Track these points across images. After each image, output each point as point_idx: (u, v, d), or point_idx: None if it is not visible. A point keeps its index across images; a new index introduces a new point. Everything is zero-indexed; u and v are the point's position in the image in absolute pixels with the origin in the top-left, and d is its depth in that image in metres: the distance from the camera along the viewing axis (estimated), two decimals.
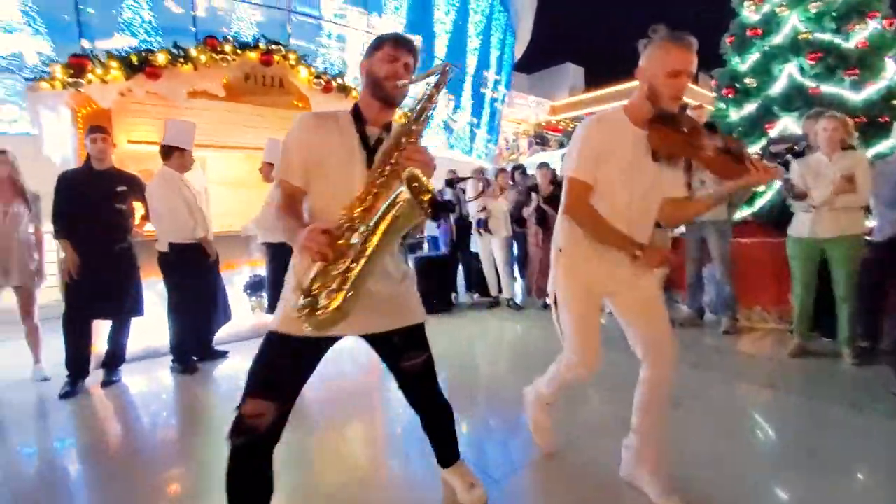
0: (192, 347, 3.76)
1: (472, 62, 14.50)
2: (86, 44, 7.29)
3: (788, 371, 3.12)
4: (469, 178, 5.39)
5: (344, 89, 4.23)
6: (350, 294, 1.13)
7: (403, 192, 1.12)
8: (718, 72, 4.95)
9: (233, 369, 3.72)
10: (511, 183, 5.57)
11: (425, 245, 6.93)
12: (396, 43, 1.42)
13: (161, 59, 3.36)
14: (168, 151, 3.47)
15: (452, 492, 1.74)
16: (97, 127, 3.34)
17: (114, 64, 3.21)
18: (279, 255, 3.79)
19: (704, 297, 4.41)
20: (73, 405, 3.07)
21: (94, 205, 3.32)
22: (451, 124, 14.33)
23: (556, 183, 5.44)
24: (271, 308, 4.37)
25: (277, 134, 4.64)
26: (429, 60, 13.22)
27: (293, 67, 4.02)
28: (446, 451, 1.73)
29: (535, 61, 24.09)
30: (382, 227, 1.14)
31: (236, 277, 4.54)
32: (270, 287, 4.18)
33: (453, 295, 5.70)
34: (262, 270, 4.44)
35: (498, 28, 15.58)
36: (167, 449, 2.47)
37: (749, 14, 4.76)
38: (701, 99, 9.30)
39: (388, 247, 1.20)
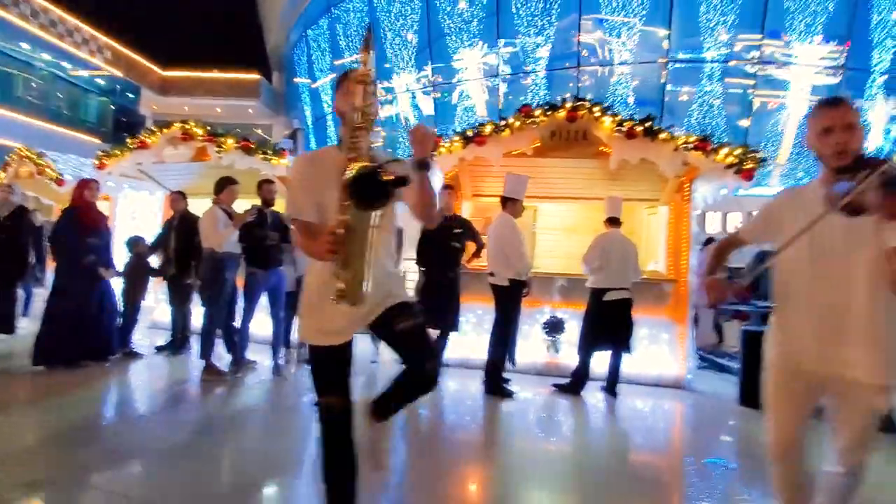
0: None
1: None
2: None
3: None
4: None
5: (650, 132, 4.00)
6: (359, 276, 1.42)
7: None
8: None
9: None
10: None
11: None
12: (344, 76, 1.68)
13: (488, 129, 4.30)
14: (506, 201, 4.24)
15: None
16: (447, 184, 4.55)
17: (456, 138, 4.36)
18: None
19: None
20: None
21: (436, 242, 4.52)
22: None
23: None
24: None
25: (581, 184, 4.87)
26: (859, 78, 9.99)
27: (597, 119, 4.17)
28: (390, 408, 1.69)
29: None
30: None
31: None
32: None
33: None
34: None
35: None
36: None
37: None
38: None
39: (370, 240, 1.43)
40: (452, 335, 4.66)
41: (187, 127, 5.23)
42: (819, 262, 1.51)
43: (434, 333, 4.64)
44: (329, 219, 1.47)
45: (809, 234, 1.44)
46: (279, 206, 4.21)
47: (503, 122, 4.38)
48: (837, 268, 1.49)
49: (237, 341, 4.30)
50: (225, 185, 4.13)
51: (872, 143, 10.21)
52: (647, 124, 4.03)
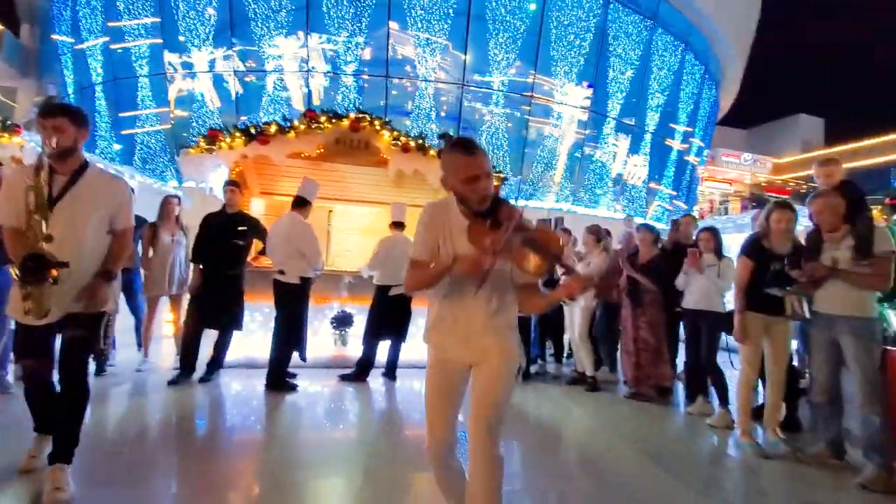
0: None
1: (653, 118, 13.52)
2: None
3: None
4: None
5: (422, 149, 4.60)
6: None
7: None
8: None
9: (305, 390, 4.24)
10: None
11: None
12: (43, 115, 2.10)
13: (272, 129, 4.34)
14: (298, 201, 4.25)
15: None
16: (231, 181, 4.42)
17: (238, 134, 4.29)
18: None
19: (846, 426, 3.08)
20: (176, 392, 3.94)
21: (219, 239, 4.34)
22: (625, 181, 13.47)
23: (663, 249, 4.66)
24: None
25: (369, 188, 5.30)
26: (601, 121, 12.90)
27: (378, 132, 4.61)
28: (59, 446, 2.18)
29: (756, 114, 20.93)
30: None
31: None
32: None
33: (532, 366, 5.24)
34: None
35: (691, 82, 14.23)
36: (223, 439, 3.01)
37: None
38: None
39: None
40: (236, 334, 4.56)
41: None
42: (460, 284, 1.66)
43: (214, 333, 4.47)
44: None
45: (459, 243, 1.66)
46: None
47: (288, 124, 4.47)
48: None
49: None
50: None
51: (614, 171, 13.24)
52: (420, 140, 4.61)
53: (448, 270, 1.61)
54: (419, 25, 11.29)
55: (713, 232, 4.17)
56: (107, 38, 12.63)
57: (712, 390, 4.01)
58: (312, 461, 2.76)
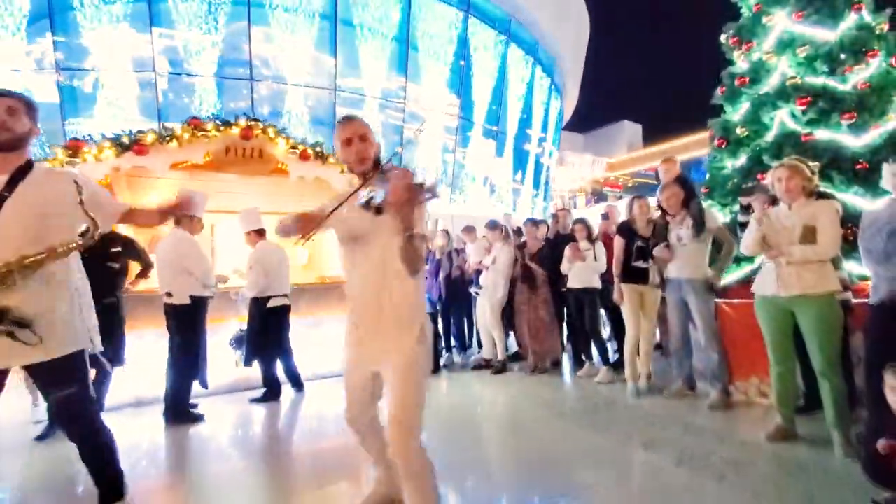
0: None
1: (513, 124, 14.94)
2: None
3: (760, 463, 2.62)
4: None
5: (321, 156, 4.59)
6: None
7: None
8: (712, 122, 4.70)
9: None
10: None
11: None
12: None
13: (150, 138, 3.92)
14: (179, 218, 3.84)
15: None
16: None
17: (107, 144, 3.79)
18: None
19: (695, 364, 3.95)
20: (50, 446, 3.33)
21: (88, 263, 3.78)
22: (492, 181, 14.62)
23: (547, 239, 5.31)
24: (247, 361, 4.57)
25: (262, 199, 5.08)
26: (468, 127, 13.85)
27: (272, 139, 4.47)
28: (103, 492, 1.98)
29: (590, 121, 24.23)
30: None
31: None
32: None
33: (444, 356, 5.57)
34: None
35: (541, 92, 16.02)
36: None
37: (740, 63, 4.54)
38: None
39: None
40: (117, 370, 4.02)
41: None
42: (357, 255, 1.72)
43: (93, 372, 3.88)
44: None
45: (354, 227, 1.69)
46: None
47: (168, 133, 4.08)
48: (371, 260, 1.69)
49: None
50: None
51: (473, 170, 14.25)
52: (318, 149, 4.58)
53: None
54: (283, 27, 10.88)
55: (584, 223, 4.92)
56: None
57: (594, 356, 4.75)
58: (231, 493, 2.64)
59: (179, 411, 3.87)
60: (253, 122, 4.39)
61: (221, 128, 4.24)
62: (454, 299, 5.63)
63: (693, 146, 19.34)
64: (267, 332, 4.32)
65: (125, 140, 3.86)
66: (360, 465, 2.78)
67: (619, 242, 4.08)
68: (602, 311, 4.95)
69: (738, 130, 4.38)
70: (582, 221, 4.92)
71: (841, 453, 2.57)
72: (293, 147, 4.49)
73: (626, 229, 4.09)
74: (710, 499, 2.21)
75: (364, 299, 1.75)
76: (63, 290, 1.80)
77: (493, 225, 5.25)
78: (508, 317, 5.31)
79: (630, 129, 24.08)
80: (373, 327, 1.75)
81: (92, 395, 1.94)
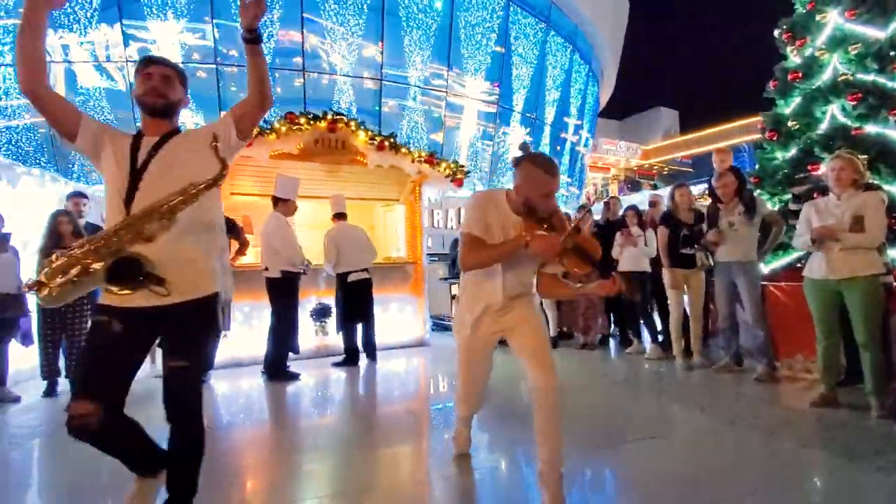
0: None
1: (550, 112, 15.10)
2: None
3: (805, 423, 2.97)
4: None
5: (394, 146, 5.07)
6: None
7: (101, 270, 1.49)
8: (764, 115, 4.93)
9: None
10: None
11: None
12: (146, 63, 1.75)
13: (254, 131, 4.46)
14: (277, 200, 4.44)
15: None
16: None
17: None
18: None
19: (742, 342, 4.29)
20: None
21: None
22: None
23: (598, 226, 5.67)
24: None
25: (341, 185, 5.60)
26: (507, 115, 14.10)
27: (353, 132, 4.96)
28: (177, 497, 1.66)
29: (626, 107, 23.99)
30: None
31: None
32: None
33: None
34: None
35: (578, 79, 16.08)
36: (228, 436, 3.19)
37: (793, 58, 4.75)
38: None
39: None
40: (221, 334, 4.63)
41: None
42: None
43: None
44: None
45: (501, 233, 1.96)
46: None
47: (268, 126, 4.62)
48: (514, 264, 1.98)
49: None
50: None
51: (508, 161, 14.53)
52: (392, 140, 5.05)
53: (518, 248, 1.83)
54: (334, 20, 11.32)
55: (636, 209, 5.26)
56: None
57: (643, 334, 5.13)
58: (319, 443, 2.94)
59: (277, 371, 4.46)
60: (338, 117, 4.89)
61: (312, 122, 4.76)
62: None
63: (732, 133, 19.04)
64: (348, 304, 4.86)
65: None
66: (423, 421, 3.27)
67: (662, 232, 4.43)
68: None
69: (790, 123, 4.62)
70: (633, 208, 5.26)
71: (877, 415, 2.92)
72: (371, 138, 4.98)
73: (669, 218, 4.43)
74: (760, 449, 2.59)
75: (499, 291, 2.03)
76: (207, 239, 1.72)
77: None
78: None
79: (667, 116, 23.76)
80: (503, 309, 2.07)
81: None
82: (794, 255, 4.23)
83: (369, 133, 5.03)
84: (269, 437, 3.17)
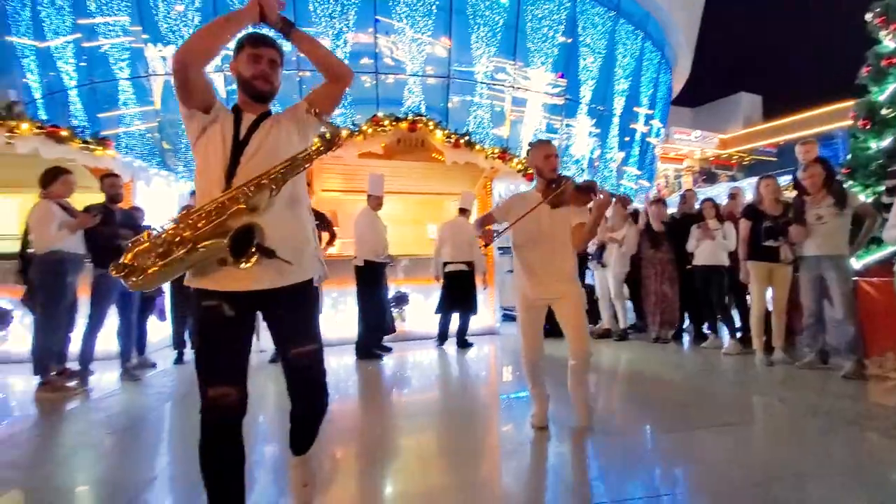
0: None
1: (619, 103, 14.72)
2: None
3: (891, 414, 2.93)
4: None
5: (469, 144, 5.36)
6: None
7: (224, 243, 1.41)
8: (856, 103, 4.69)
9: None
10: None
11: None
12: (255, 41, 1.63)
13: (344, 133, 4.94)
14: (369, 196, 4.91)
15: None
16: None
17: (315, 139, 4.85)
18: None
19: (829, 339, 4.15)
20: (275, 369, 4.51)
21: None
22: (594, 163, 14.63)
23: (673, 219, 5.63)
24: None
25: (418, 182, 5.98)
26: (573, 107, 13.94)
27: (431, 131, 5.30)
28: (300, 444, 1.76)
29: (700, 94, 22.71)
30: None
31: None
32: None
33: None
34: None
35: (650, 67, 15.51)
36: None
37: (888, 42, 4.47)
38: None
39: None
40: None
41: None
42: (536, 235, 2.66)
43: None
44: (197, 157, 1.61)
45: (531, 219, 2.58)
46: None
47: (357, 128, 5.09)
48: (546, 237, 2.66)
49: (81, 352, 3.88)
50: (57, 176, 3.62)
51: (578, 151, 14.33)
52: (466, 138, 5.35)
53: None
54: (404, 21, 11.75)
55: (713, 202, 5.18)
56: (78, 35, 12.21)
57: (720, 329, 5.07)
58: (409, 417, 3.39)
59: (365, 351, 4.91)
60: (417, 118, 5.26)
61: (394, 123, 5.16)
62: (579, 273, 6.16)
63: (822, 119, 17.53)
64: (446, 293, 5.21)
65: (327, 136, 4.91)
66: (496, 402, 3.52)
67: (744, 225, 4.36)
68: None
69: (884, 111, 4.37)
70: (711, 200, 5.19)
71: None
72: (448, 136, 5.31)
73: (752, 211, 4.35)
74: (842, 437, 2.61)
75: (542, 261, 2.68)
76: (304, 216, 1.71)
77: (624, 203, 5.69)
78: (630, 290, 5.76)
79: (748, 102, 22.20)
80: (547, 277, 2.67)
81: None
82: (889, 249, 4.03)
83: (445, 132, 5.36)
84: (366, 407, 3.59)
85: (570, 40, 13.28)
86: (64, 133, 4.37)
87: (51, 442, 2.85)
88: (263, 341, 4.92)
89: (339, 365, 4.76)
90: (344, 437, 2.84)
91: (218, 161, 1.56)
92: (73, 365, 3.89)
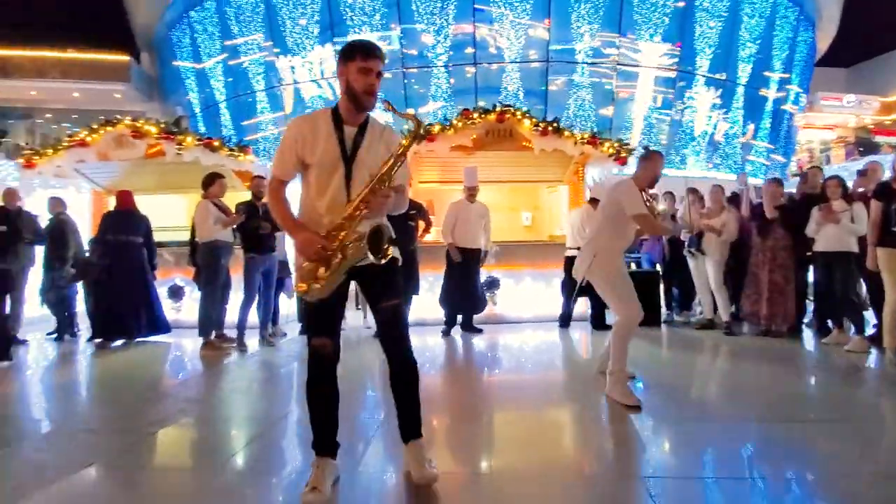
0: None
1: (745, 69, 13.14)
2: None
3: None
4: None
5: (557, 130, 5.41)
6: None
7: (363, 245, 1.71)
8: None
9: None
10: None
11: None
12: (367, 54, 1.72)
13: (436, 128, 5.32)
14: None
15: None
16: None
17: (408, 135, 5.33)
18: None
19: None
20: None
21: (394, 220, 5.44)
22: (716, 139, 13.30)
23: (792, 200, 5.10)
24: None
25: (509, 170, 6.15)
26: (689, 79, 12.76)
27: (519, 120, 5.44)
28: (409, 424, 1.93)
29: (856, 51, 19.20)
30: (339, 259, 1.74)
31: None
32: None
33: (664, 312, 5.92)
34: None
35: (785, 26, 13.57)
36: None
37: None
38: None
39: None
40: (414, 298, 5.65)
41: (138, 125, 5.39)
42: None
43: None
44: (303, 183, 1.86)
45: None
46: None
47: (448, 122, 5.45)
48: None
49: (238, 321, 4.80)
50: (214, 180, 4.58)
51: (698, 126, 13.14)
52: (554, 124, 5.41)
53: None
54: (502, 7, 11.75)
55: (839, 180, 4.59)
56: (225, 56, 14.29)
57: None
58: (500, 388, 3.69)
59: (455, 326, 5.33)
60: (505, 108, 5.46)
61: (483, 115, 5.42)
62: (677, 260, 5.84)
63: None
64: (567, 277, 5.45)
65: (422, 131, 5.37)
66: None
67: (875, 206, 3.83)
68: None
69: None
70: (836, 178, 4.62)
71: None
72: (536, 125, 5.42)
73: (886, 191, 3.80)
74: None
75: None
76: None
77: (716, 190, 5.34)
78: (734, 279, 5.35)
79: None
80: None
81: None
82: None
83: (534, 120, 5.47)
84: (458, 379, 3.97)
85: (683, 4, 12.15)
86: (216, 143, 5.38)
87: (213, 387, 3.72)
88: (369, 318, 5.55)
89: (435, 343, 5.20)
90: (443, 405, 3.20)
91: (333, 172, 1.79)
92: (229, 331, 4.85)
